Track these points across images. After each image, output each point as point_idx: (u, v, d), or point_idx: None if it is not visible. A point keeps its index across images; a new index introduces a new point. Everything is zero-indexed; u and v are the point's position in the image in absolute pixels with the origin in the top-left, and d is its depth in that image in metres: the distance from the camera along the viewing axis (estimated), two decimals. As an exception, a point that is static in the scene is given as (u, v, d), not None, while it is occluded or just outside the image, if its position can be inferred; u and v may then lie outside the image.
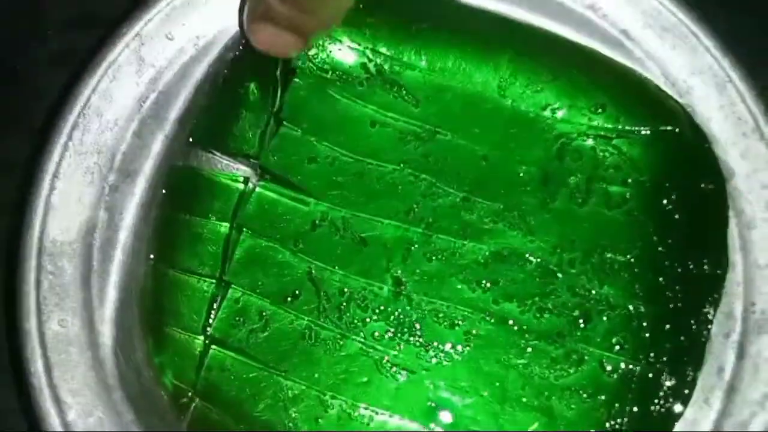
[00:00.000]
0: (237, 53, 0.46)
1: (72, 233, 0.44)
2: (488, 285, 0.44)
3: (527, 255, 0.44)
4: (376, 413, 0.43)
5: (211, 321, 0.44)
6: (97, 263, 0.44)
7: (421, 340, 0.43)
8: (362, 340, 0.43)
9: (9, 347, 0.45)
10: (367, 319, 0.44)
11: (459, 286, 0.44)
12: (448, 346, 0.43)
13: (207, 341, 0.44)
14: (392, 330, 0.43)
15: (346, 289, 0.44)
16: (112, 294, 0.44)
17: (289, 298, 0.44)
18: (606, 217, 0.44)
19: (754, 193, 0.45)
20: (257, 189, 0.45)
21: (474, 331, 0.43)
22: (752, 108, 0.46)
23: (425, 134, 0.45)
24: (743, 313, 0.44)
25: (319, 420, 0.43)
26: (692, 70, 0.46)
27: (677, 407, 0.43)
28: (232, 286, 0.44)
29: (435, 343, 0.43)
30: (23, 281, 0.43)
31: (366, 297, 0.44)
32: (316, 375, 0.43)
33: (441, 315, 0.43)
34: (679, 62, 0.46)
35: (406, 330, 0.43)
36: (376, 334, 0.43)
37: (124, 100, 0.46)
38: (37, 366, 0.42)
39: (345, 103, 0.45)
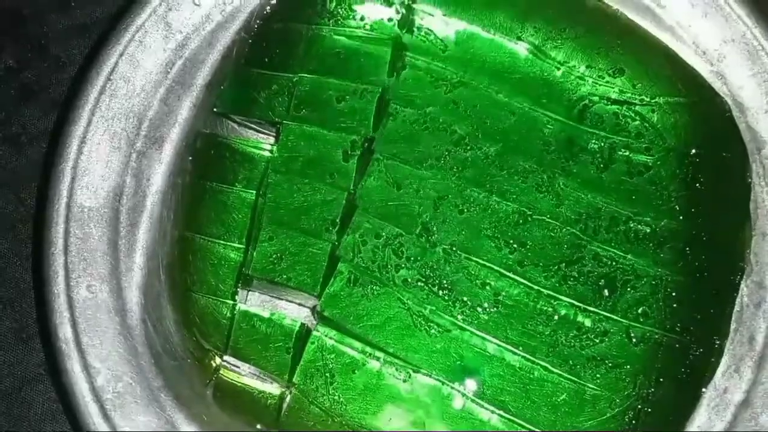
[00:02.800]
0: (262, 21, 0.46)
1: (99, 199, 0.44)
2: (515, 245, 0.43)
3: (554, 220, 0.43)
4: (407, 365, 0.43)
5: (239, 286, 0.44)
6: (125, 229, 0.44)
7: (451, 294, 0.43)
8: (395, 287, 0.43)
9: (38, 313, 0.45)
10: (401, 266, 0.43)
11: (487, 243, 0.43)
12: (477, 306, 0.43)
13: (235, 305, 0.44)
14: (424, 280, 0.43)
15: (382, 233, 0.44)
16: (139, 260, 0.44)
17: (326, 232, 0.44)
18: (629, 184, 0.44)
19: (786, 162, 0.45)
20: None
21: (503, 293, 0.43)
22: (785, 76, 0.45)
23: (455, 79, 0.44)
24: (774, 282, 0.44)
25: (355, 371, 0.43)
26: (724, 38, 0.46)
27: (704, 376, 0.42)
28: (265, 228, 0.44)
29: (465, 299, 0.43)
30: (52, 246, 0.43)
31: (401, 243, 0.43)
32: (351, 321, 0.43)
33: (472, 272, 0.43)
34: (710, 31, 0.46)
35: (437, 282, 0.43)
36: (409, 281, 0.43)
37: (151, 66, 0.45)
38: (66, 331, 0.42)
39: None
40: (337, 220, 0.44)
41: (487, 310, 0.43)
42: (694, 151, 0.44)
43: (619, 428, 0.42)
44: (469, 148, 0.44)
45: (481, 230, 0.43)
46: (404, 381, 0.42)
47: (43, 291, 0.43)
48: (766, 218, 0.45)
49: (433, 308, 0.43)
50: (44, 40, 0.52)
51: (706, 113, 0.44)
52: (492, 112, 0.44)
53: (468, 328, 0.42)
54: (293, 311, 0.45)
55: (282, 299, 0.46)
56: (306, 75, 0.45)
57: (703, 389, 0.42)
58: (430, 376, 0.42)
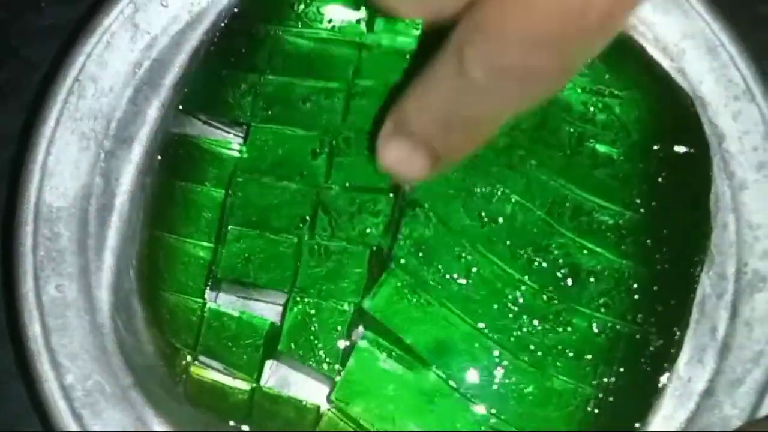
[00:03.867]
0: (228, 20, 0.46)
1: (68, 199, 0.44)
2: (486, 219, 0.44)
3: (525, 200, 0.44)
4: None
5: (208, 285, 0.45)
6: (94, 229, 0.44)
7: (429, 260, 0.43)
8: (375, 247, 0.43)
9: (7, 313, 0.45)
10: (379, 225, 0.44)
11: (462, 214, 0.44)
12: (449, 276, 0.43)
13: (205, 303, 0.44)
14: (405, 240, 0.43)
15: (356, 200, 0.44)
16: (109, 259, 0.44)
17: (296, 230, 0.44)
18: (594, 175, 0.44)
19: (746, 155, 0.46)
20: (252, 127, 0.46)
21: (474, 268, 0.43)
22: (743, 71, 0.46)
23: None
24: (736, 273, 0.45)
25: (339, 328, 0.43)
26: (684, 34, 0.47)
27: (664, 367, 0.43)
28: (234, 227, 0.44)
29: (440, 269, 0.43)
30: (20, 246, 0.43)
31: (377, 204, 0.44)
32: (331, 286, 0.44)
33: (449, 240, 0.43)
34: (670, 27, 0.47)
35: (417, 245, 0.43)
36: (394, 243, 0.43)
37: (119, 66, 0.46)
38: (35, 330, 0.42)
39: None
40: (307, 218, 0.44)
41: (459, 283, 0.43)
42: (657, 145, 0.45)
43: (584, 419, 0.42)
44: None
45: (456, 197, 0.43)
46: (384, 360, 0.43)
47: (12, 290, 0.43)
48: (726, 211, 0.46)
49: (417, 273, 0.43)
50: (14, 42, 0.52)
51: (669, 108, 0.45)
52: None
53: (443, 301, 0.43)
54: (263, 309, 0.45)
55: (252, 298, 0.46)
56: (272, 76, 0.46)
57: (664, 378, 0.43)
58: (410, 356, 0.43)
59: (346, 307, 0.43)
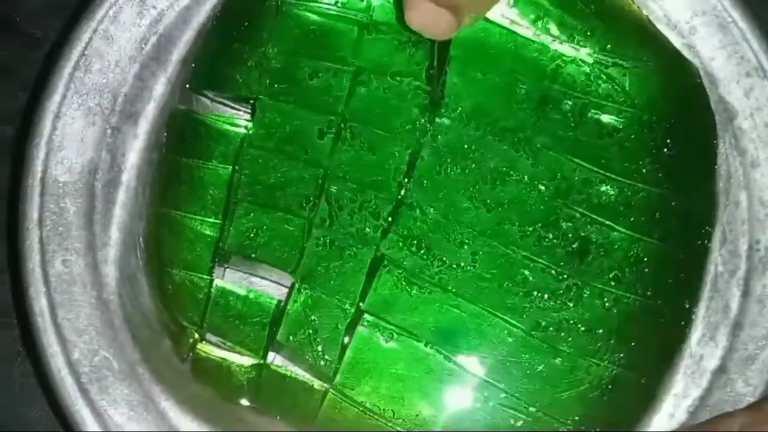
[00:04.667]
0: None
1: (74, 173, 0.44)
2: (492, 205, 0.43)
3: (531, 180, 0.43)
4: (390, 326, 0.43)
5: (215, 261, 0.44)
6: (100, 204, 0.44)
7: (429, 254, 0.43)
8: (374, 249, 0.43)
9: (13, 288, 0.44)
10: (378, 228, 0.43)
11: (466, 204, 0.43)
12: (455, 265, 0.43)
13: (213, 279, 0.44)
14: (402, 240, 0.43)
15: (357, 197, 0.43)
16: (115, 235, 0.44)
17: (301, 209, 0.44)
18: (599, 146, 0.44)
19: (758, 132, 0.45)
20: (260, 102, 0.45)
21: (480, 253, 0.43)
22: (754, 47, 0.46)
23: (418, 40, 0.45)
24: (748, 250, 0.44)
25: (339, 326, 0.43)
26: (694, 11, 0.46)
27: (675, 339, 0.43)
28: (241, 203, 0.44)
29: (444, 258, 0.43)
30: (26, 220, 0.42)
31: (377, 205, 0.43)
32: (332, 283, 0.43)
33: (449, 231, 0.43)
34: (681, 4, 0.46)
35: (414, 242, 0.43)
36: (387, 243, 0.43)
37: (126, 42, 0.45)
38: (41, 305, 0.42)
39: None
40: (312, 197, 0.43)
41: (465, 269, 0.42)
42: (663, 116, 0.44)
43: (597, 397, 0.42)
44: (441, 112, 0.44)
45: (458, 190, 0.43)
46: (386, 341, 0.42)
47: (18, 265, 0.42)
48: (739, 188, 0.45)
49: (415, 268, 0.42)
50: (18, 18, 0.51)
51: (675, 79, 0.45)
52: (462, 74, 0.44)
53: (448, 288, 0.42)
54: (269, 288, 0.45)
55: (258, 276, 0.45)
56: (279, 51, 0.45)
57: (676, 353, 0.42)
58: (413, 338, 0.42)
59: (347, 306, 0.43)
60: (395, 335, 0.42)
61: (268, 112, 0.45)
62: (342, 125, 0.44)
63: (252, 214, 0.44)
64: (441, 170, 0.43)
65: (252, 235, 0.43)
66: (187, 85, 0.46)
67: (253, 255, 0.44)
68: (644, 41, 0.45)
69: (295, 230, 0.44)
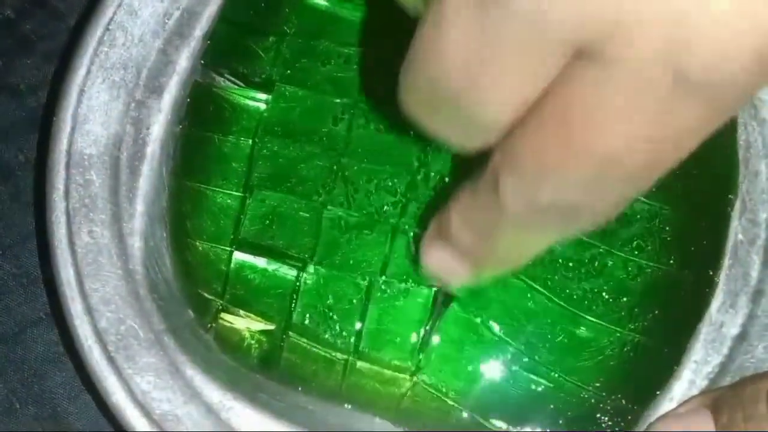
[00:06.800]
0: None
1: (100, 147, 0.44)
2: None
3: None
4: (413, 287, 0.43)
5: (237, 234, 0.45)
6: (125, 176, 0.44)
7: None
8: (393, 222, 0.43)
9: (40, 258, 0.45)
10: (397, 202, 0.44)
11: None
12: None
13: (234, 251, 0.44)
14: (423, 208, 0.43)
15: (373, 176, 0.44)
16: (140, 207, 0.44)
17: (316, 194, 0.44)
18: None
19: (778, 102, 0.45)
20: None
21: None
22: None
23: None
24: (767, 219, 0.45)
25: (353, 300, 0.43)
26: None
27: (698, 307, 0.43)
28: (258, 190, 0.44)
29: None
30: (53, 192, 0.43)
31: (394, 183, 0.44)
32: (351, 261, 0.43)
33: None
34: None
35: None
36: (406, 217, 0.43)
37: (149, 16, 0.46)
38: (69, 275, 0.42)
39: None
40: (327, 184, 0.44)
41: None
42: None
43: (619, 365, 0.42)
44: None
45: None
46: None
47: (45, 236, 0.43)
48: (758, 158, 0.45)
49: None
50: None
51: None
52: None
53: None
54: (286, 271, 0.45)
55: (274, 259, 0.45)
56: (293, 35, 0.46)
57: (698, 322, 0.43)
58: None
59: (360, 280, 0.43)
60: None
61: (282, 95, 0.45)
62: (354, 112, 0.45)
63: (268, 201, 0.44)
64: None
65: (268, 222, 0.44)
66: (202, 61, 0.46)
67: (269, 242, 0.44)
68: None
69: (311, 215, 0.44)
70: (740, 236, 0.45)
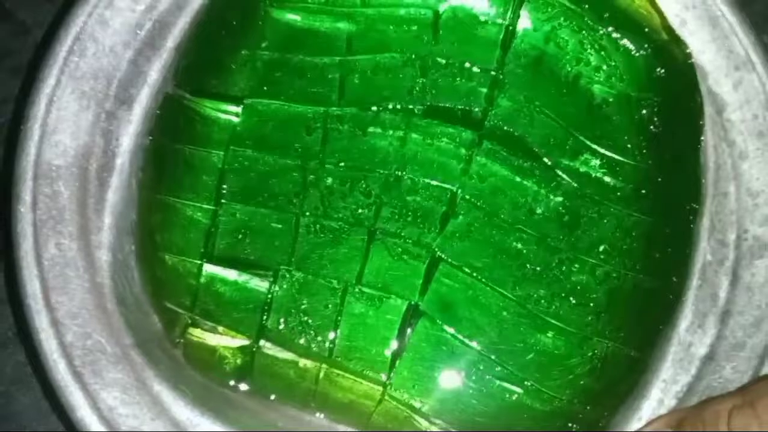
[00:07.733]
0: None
1: (68, 158, 0.44)
2: (485, 176, 0.44)
3: (526, 143, 0.44)
4: (385, 297, 0.43)
5: (207, 247, 0.44)
6: (94, 188, 0.44)
7: (425, 222, 0.43)
8: (368, 225, 0.44)
9: (6, 272, 0.44)
10: (372, 206, 0.44)
11: (454, 167, 0.44)
12: (449, 233, 0.43)
13: (203, 265, 0.44)
14: (397, 212, 0.44)
15: (347, 181, 0.44)
16: (108, 220, 0.44)
17: (290, 204, 0.44)
18: (589, 116, 0.45)
19: (746, 124, 0.46)
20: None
21: (475, 225, 0.43)
22: (743, 40, 0.46)
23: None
24: (736, 240, 0.45)
25: (327, 309, 0.43)
26: (685, 4, 0.47)
27: (665, 315, 0.43)
28: (228, 203, 0.44)
29: (436, 230, 0.43)
30: (20, 203, 0.42)
31: (368, 184, 0.44)
32: (327, 265, 0.44)
33: (442, 199, 0.44)
34: (672, -3, 0.47)
35: (410, 212, 0.43)
36: (381, 219, 0.44)
37: (120, 26, 0.45)
38: (35, 288, 0.41)
39: None
40: (300, 194, 0.44)
41: (458, 237, 0.43)
42: (652, 92, 0.45)
43: (590, 370, 0.42)
44: (434, 71, 0.44)
45: (448, 155, 0.44)
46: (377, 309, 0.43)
47: (12, 248, 0.42)
48: (727, 180, 0.46)
49: (409, 238, 0.43)
50: (8, 5, 0.51)
51: (667, 57, 0.45)
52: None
53: (441, 255, 0.43)
54: (257, 283, 0.45)
55: (246, 272, 0.45)
56: (266, 50, 0.45)
57: (666, 327, 0.43)
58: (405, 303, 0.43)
59: (337, 285, 0.43)
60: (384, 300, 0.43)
61: (255, 109, 0.45)
62: (329, 118, 0.44)
63: (239, 214, 0.44)
64: (433, 142, 0.44)
65: (240, 235, 0.44)
66: (175, 83, 0.45)
67: (241, 255, 0.44)
68: (636, 16, 0.45)
69: (284, 225, 0.44)
70: (709, 257, 0.45)
